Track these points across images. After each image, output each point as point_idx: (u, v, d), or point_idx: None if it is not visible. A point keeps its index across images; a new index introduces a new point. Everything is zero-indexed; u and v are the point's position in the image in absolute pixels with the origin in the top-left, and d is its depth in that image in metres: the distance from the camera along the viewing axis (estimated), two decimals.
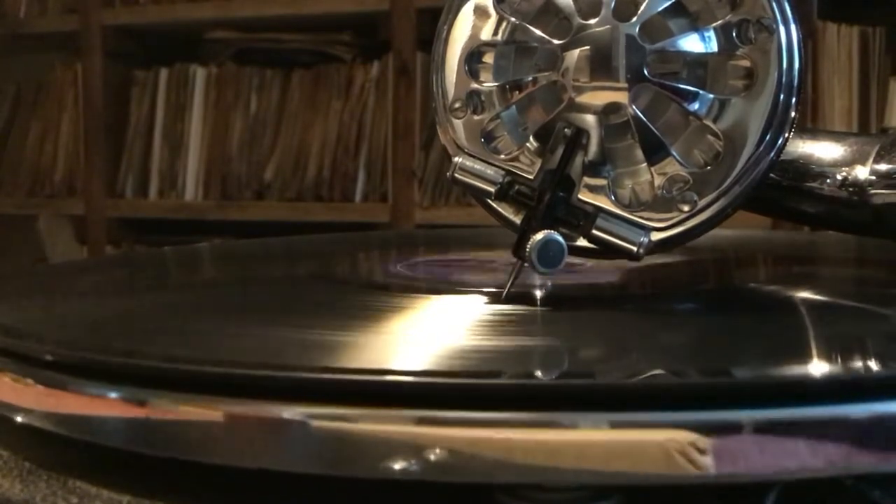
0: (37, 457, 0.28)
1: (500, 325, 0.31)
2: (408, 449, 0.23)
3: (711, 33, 0.34)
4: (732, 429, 0.22)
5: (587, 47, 0.33)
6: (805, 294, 0.38)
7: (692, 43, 0.34)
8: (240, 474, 0.25)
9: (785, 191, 0.40)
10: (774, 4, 0.33)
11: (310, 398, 0.24)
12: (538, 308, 0.34)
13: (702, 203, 0.33)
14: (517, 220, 0.35)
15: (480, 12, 0.36)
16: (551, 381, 0.25)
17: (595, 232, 0.33)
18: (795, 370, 0.25)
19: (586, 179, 0.34)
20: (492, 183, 0.35)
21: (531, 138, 0.35)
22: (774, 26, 0.33)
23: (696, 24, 0.34)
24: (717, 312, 0.35)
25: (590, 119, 0.34)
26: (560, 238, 0.32)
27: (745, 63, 0.33)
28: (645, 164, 0.34)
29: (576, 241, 0.34)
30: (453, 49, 0.36)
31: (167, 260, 0.59)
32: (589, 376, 0.26)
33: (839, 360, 0.27)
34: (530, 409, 0.22)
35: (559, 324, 0.32)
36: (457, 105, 0.36)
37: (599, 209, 0.34)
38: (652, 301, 0.38)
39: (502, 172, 0.35)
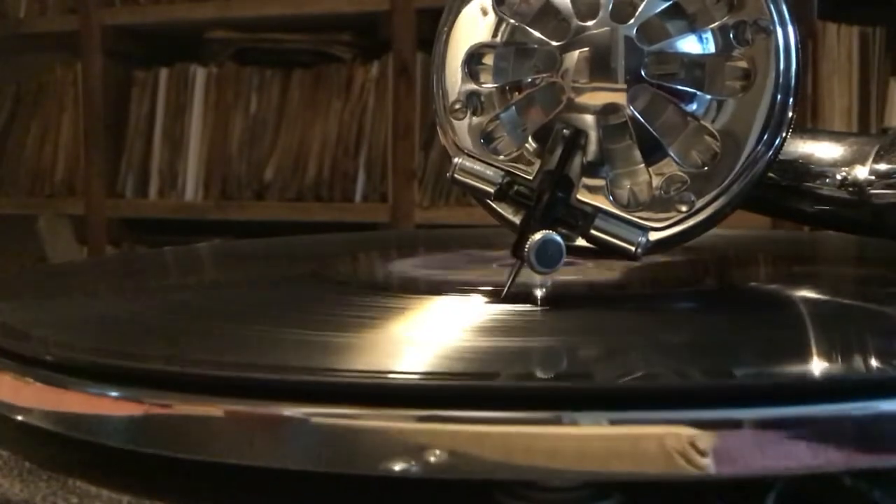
0: (37, 457, 0.28)
1: (499, 325, 0.31)
2: (408, 448, 0.23)
3: (709, 35, 0.34)
4: (732, 427, 0.22)
5: (586, 49, 0.33)
6: (805, 293, 0.38)
7: (690, 44, 0.34)
8: (240, 474, 0.25)
9: (785, 191, 0.40)
10: (772, 6, 0.33)
11: (310, 398, 0.24)
12: (538, 307, 0.34)
13: (700, 203, 0.33)
14: (517, 220, 0.35)
15: (480, 14, 0.36)
16: (551, 380, 0.25)
17: (593, 232, 0.33)
18: (795, 368, 0.25)
19: (585, 180, 0.34)
20: (491, 183, 0.35)
21: (530, 139, 0.35)
22: (771, 27, 0.33)
23: (693, 26, 0.34)
24: (717, 311, 0.35)
25: (588, 120, 0.34)
26: (559, 238, 0.32)
27: (743, 64, 0.33)
28: (643, 165, 0.34)
29: (574, 241, 0.34)
30: (453, 50, 0.36)
31: (167, 260, 0.59)
32: (589, 375, 0.26)
33: (839, 358, 0.27)
34: (530, 408, 0.22)
35: (559, 323, 0.32)
36: (457, 106, 0.36)
37: (598, 209, 0.34)
38: (652, 300, 0.38)
39: (502, 173, 0.35)
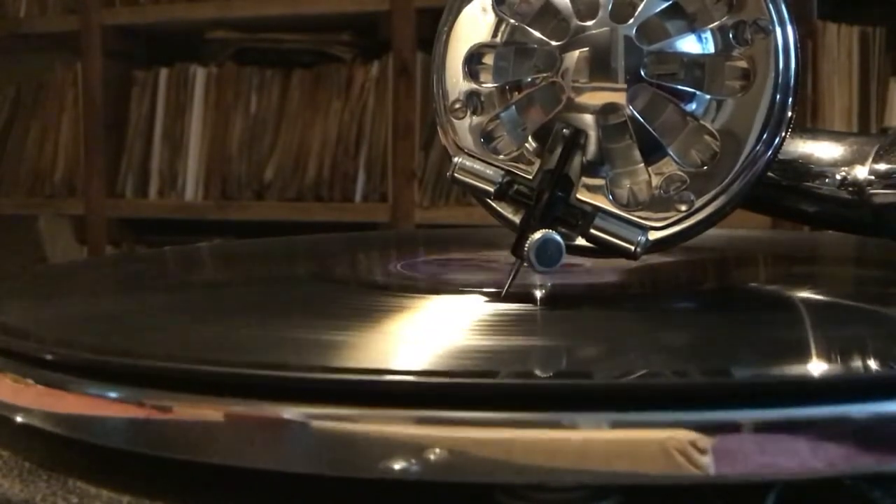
0: (37, 457, 0.28)
1: (499, 325, 0.31)
2: (408, 449, 0.23)
3: (708, 34, 0.34)
4: (732, 428, 0.22)
5: (585, 49, 0.33)
6: (805, 294, 0.38)
7: (689, 44, 0.34)
8: (240, 474, 0.25)
9: (785, 190, 0.40)
10: (771, 6, 0.33)
11: (310, 398, 0.24)
12: (537, 307, 0.34)
13: (699, 203, 0.33)
14: (516, 219, 0.35)
15: (480, 14, 0.36)
16: (551, 380, 0.25)
17: (593, 231, 0.33)
18: (795, 370, 0.25)
19: (585, 179, 0.34)
20: (491, 183, 0.35)
21: (530, 138, 0.35)
22: (771, 27, 0.33)
23: (693, 26, 0.34)
24: (717, 312, 0.35)
25: (588, 119, 0.34)
26: (558, 237, 0.32)
27: (742, 64, 0.33)
28: (642, 164, 0.34)
29: (574, 240, 0.34)
30: (454, 50, 0.36)
31: (167, 260, 0.59)
32: (588, 376, 0.26)
33: (839, 359, 0.27)
34: (530, 409, 0.22)
35: (558, 323, 0.32)
36: (457, 106, 0.36)
37: (598, 209, 0.34)
38: (652, 301, 0.38)
39: (502, 172, 0.35)
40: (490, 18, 0.36)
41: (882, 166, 0.38)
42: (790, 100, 0.33)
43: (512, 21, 0.35)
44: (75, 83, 1.69)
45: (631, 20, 0.33)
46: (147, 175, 1.64)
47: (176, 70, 1.63)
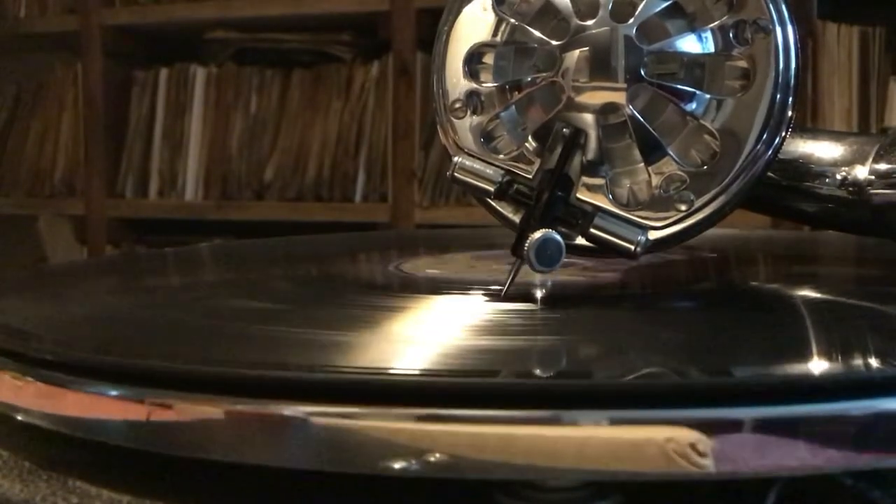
0: (37, 457, 0.28)
1: (499, 324, 0.31)
2: (408, 447, 0.23)
3: (708, 34, 0.34)
4: (733, 426, 0.22)
5: (586, 48, 0.33)
6: (805, 293, 0.38)
7: (689, 44, 0.34)
8: (240, 473, 0.25)
9: (785, 190, 0.40)
10: (771, 5, 0.33)
11: (310, 397, 0.24)
12: (537, 306, 0.34)
13: (699, 202, 0.33)
14: (516, 218, 0.35)
15: (480, 13, 0.36)
16: (551, 378, 0.25)
17: (593, 231, 0.33)
18: (795, 368, 0.25)
19: (584, 179, 0.34)
20: (491, 182, 0.35)
21: (530, 138, 0.35)
22: (771, 27, 0.33)
23: (693, 25, 0.34)
24: (717, 311, 0.35)
25: (588, 119, 0.34)
26: (558, 237, 0.32)
27: (742, 63, 0.33)
28: (642, 164, 0.34)
29: (574, 239, 0.34)
30: (454, 50, 0.36)
31: (167, 260, 0.59)
32: (589, 374, 0.26)
33: (839, 357, 0.27)
34: (530, 407, 0.22)
35: (559, 322, 0.32)
36: (457, 105, 0.36)
37: (597, 208, 0.34)
38: (652, 300, 0.38)
39: (502, 172, 0.35)
40: (490, 18, 0.36)
41: (882, 166, 0.38)
42: (790, 99, 0.33)
43: (512, 21, 0.35)
44: (75, 83, 1.69)
45: (631, 20, 0.33)
46: (147, 175, 1.64)
47: (176, 70, 1.63)
